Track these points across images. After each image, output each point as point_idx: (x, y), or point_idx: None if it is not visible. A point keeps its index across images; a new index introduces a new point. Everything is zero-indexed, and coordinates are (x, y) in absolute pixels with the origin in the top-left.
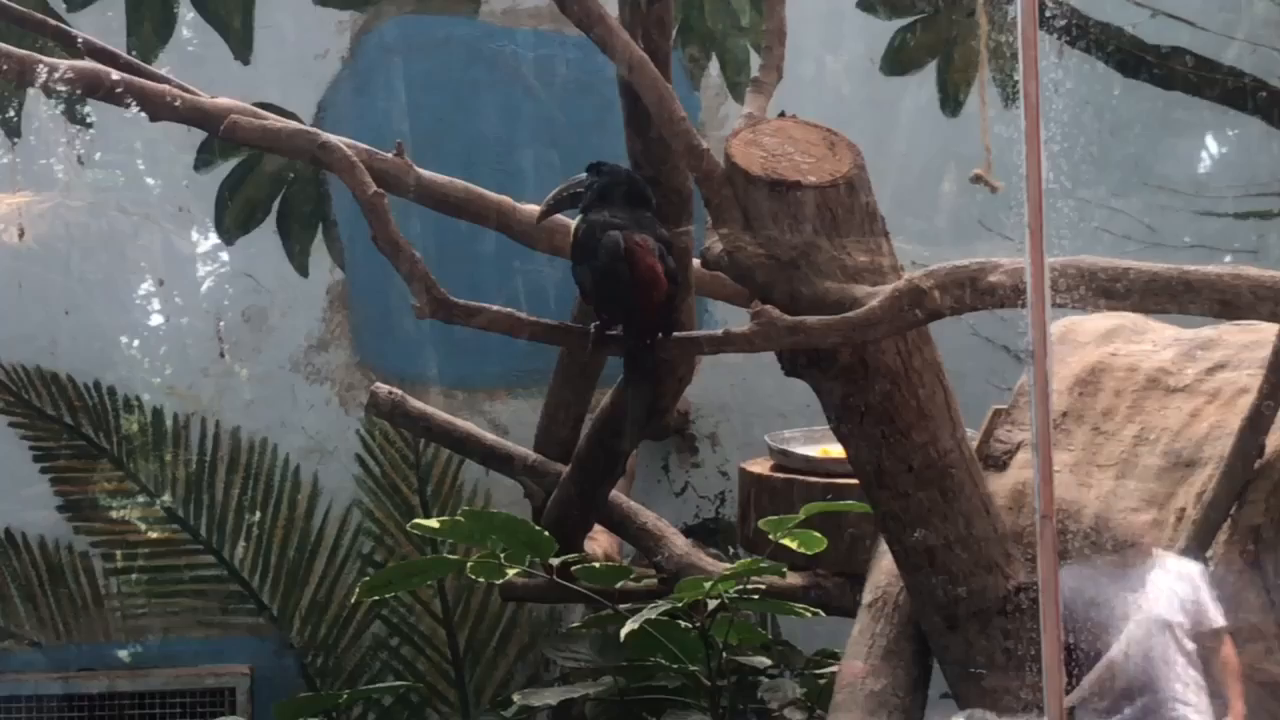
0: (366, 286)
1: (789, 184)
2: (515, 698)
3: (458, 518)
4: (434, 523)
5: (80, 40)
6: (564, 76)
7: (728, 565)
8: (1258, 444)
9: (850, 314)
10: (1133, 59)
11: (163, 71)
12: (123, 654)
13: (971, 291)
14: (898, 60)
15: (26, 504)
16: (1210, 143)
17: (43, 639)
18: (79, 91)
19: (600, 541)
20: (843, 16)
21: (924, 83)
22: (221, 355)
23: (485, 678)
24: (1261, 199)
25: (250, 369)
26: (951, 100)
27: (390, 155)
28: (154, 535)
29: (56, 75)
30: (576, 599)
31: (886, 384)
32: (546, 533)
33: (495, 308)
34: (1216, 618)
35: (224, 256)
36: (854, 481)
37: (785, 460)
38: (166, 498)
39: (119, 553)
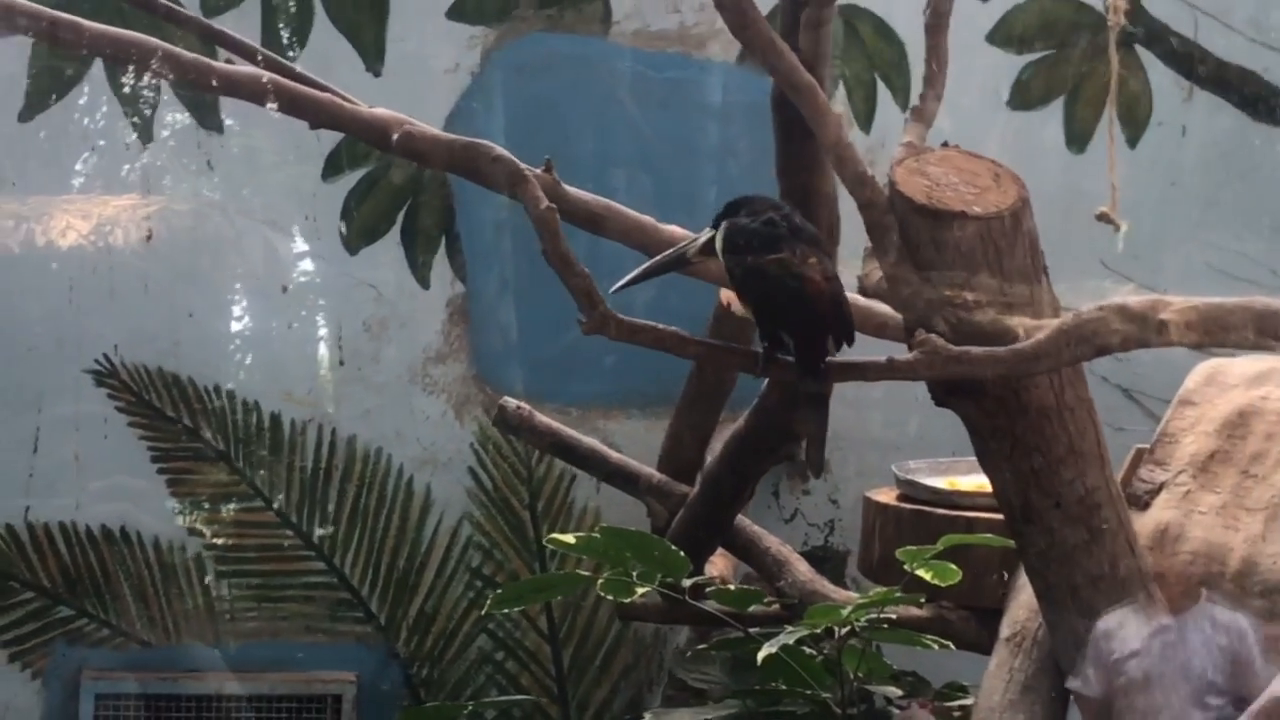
0: (486, 301)
1: (954, 214)
2: (646, 717)
3: (594, 534)
4: (570, 538)
5: (260, 57)
6: (692, 99)
7: (852, 594)
8: None
9: (1016, 346)
10: (1262, 102)
11: None
12: (231, 657)
13: (1141, 328)
14: (1025, 95)
15: (142, 504)
16: None
17: (152, 638)
18: (249, 98)
19: (716, 564)
20: (973, 50)
21: (1051, 118)
22: (340, 363)
23: (588, 695)
24: None
25: (368, 378)
26: (1078, 137)
27: (539, 170)
28: (266, 540)
29: (230, 81)
30: (695, 620)
31: (1038, 418)
32: (682, 553)
33: (661, 326)
34: (1266, 682)
35: (347, 266)
36: (981, 515)
37: (912, 491)
38: (280, 503)
39: (231, 555)
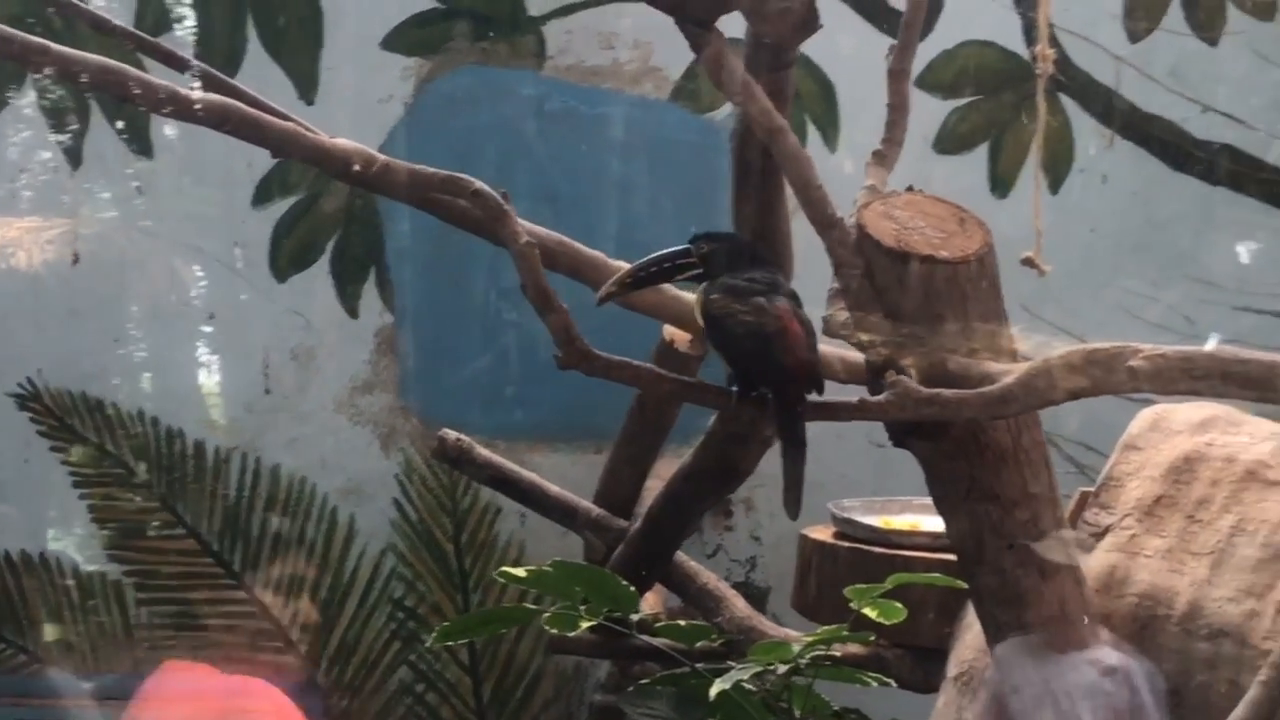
0: (414, 331)
1: (922, 257)
2: None
3: (545, 567)
4: (521, 571)
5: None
6: (625, 135)
7: (790, 631)
8: None
9: (987, 390)
10: (1181, 153)
11: None
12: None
13: (1109, 374)
14: (951, 140)
15: (62, 529)
16: (1252, 239)
17: (72, 666)
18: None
19: (648, 600)
20: None
21: (975, 163)
22: (267, 392)
23: None
24: None
25: (294, 407)
26: (1001, 183)
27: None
28: (188, 567)
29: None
30: (626, 654)
31: (995, 461)
32: (632, 588)
33: (638, 363)
34: None
35: (275, 294)
36: (918, 554)
37: (849, 529)
38: (202, 531)
39: (152, 583)
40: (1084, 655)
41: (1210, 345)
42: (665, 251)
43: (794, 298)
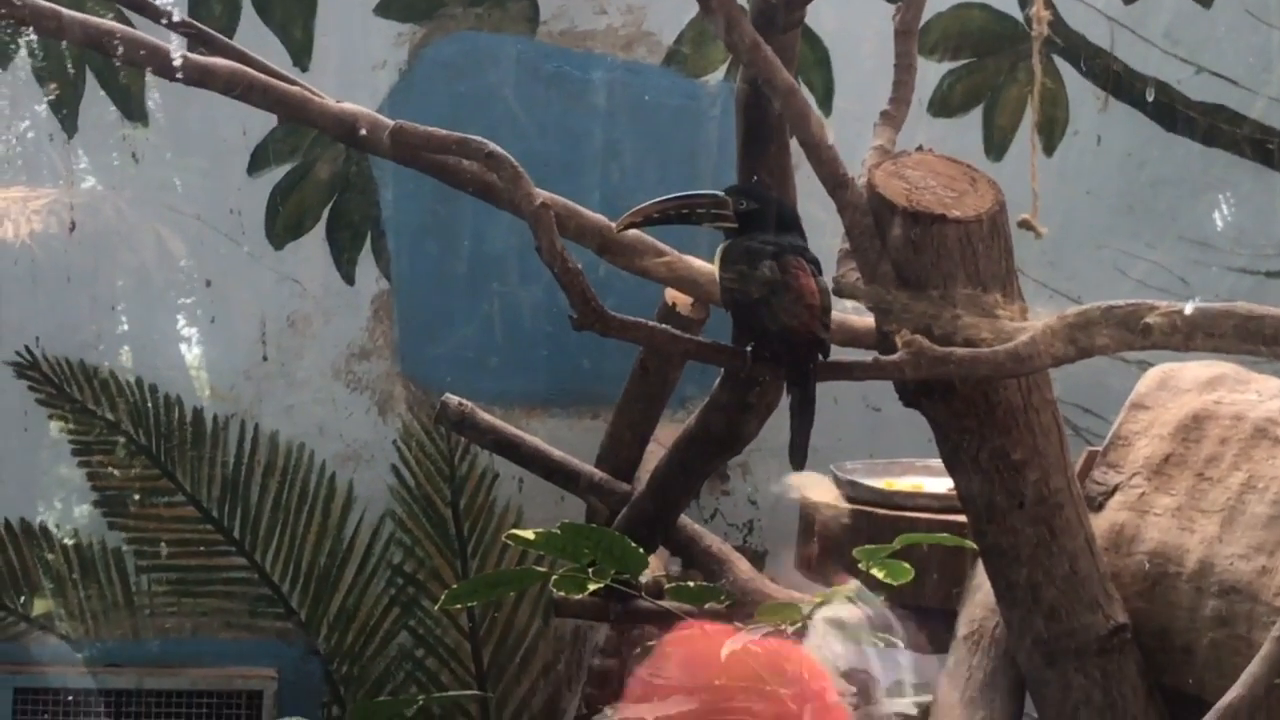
0: (410, 298)
1: (934, 217)
2: (608, 711)
3: (554, 530)
4: (529, 534)
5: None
6: (618, 99)
7: (793, 592)
8: None
9: (1000, 348)
10: (1175, 114)
11: None
12: (150, 651)
13: (1126, 331)
14: (946, 103)
15: (62, 498)
16: (1245, 200)
17: (71, 632)
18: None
19: (650, 564)
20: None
21: (970, 126)
22: (264, 359)
23: (508, 693)
24: None
25: (292, 374)
26: (996, 145)
27: None
28: (187, 535)
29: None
30: (629, 617)
31: (1005, 419)
32: (640, 550)
33: (652, 323)
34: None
35: (272, 261)
36: (921, 515)
37: (853, 491)
38: (201, 498)
39: (151, 550)
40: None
41: (1188, 310)
42: (697, 194)
43: (816, 264)
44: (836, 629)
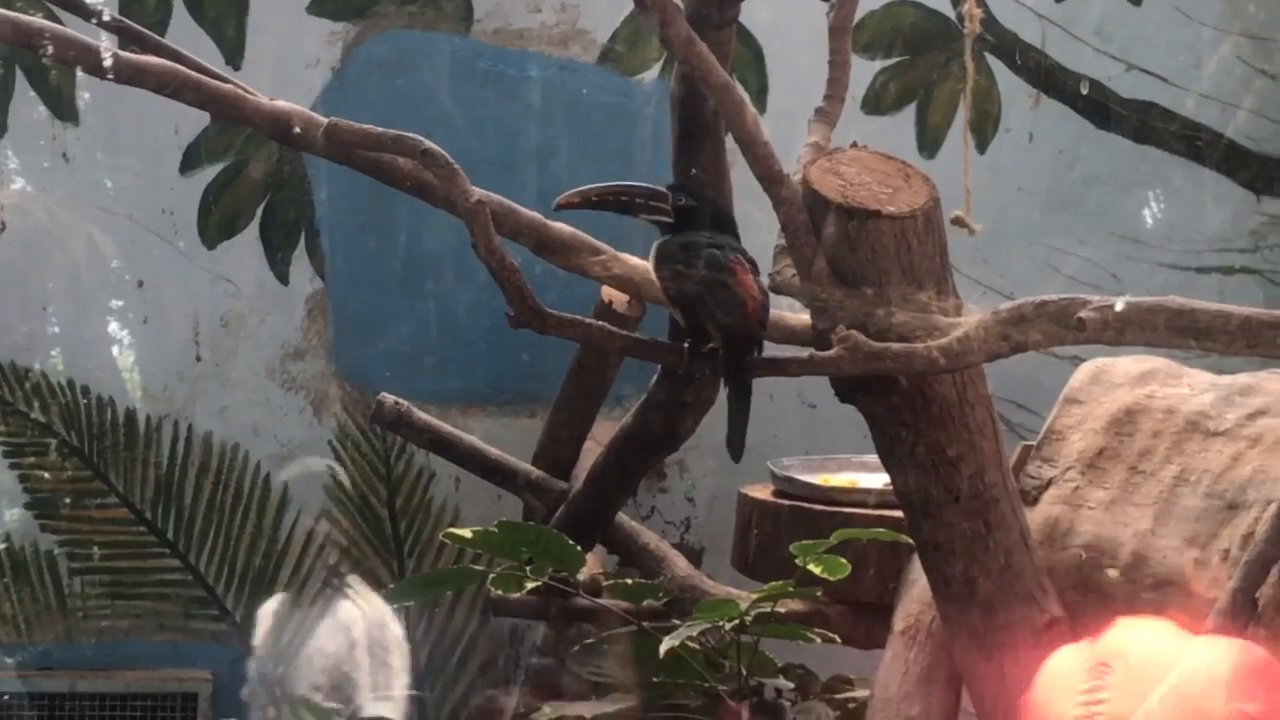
0: (345, 297)
1: (869, 213)
2: (546, 709)
3: (491, 529)
4: (466, 532)
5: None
6: (553, 97)
7: (731, 589)
8: None
9: (935, 343)
10: (1106, 110)
11: None
12: (84, 654)
13: (1060, 326)
14: (879, 100)
15: None
16: (1176, 196)
17: (3, 636)
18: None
19: (588, 562)
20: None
21: (903, 123)
22: (197, 359)
23: (446, 693)
24: (1224, 254)
25: (226, 374)
26: (929, 143)
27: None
28: (120, 537)
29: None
30: (569, 615)
31: (941, 415)
32: (578, 547)
33: (590, 320)
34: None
35: (205, 261)
36: (856, 510)
37: (789, 487)
38: (135, 500)
39: (84, 553)
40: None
41: (1120, 305)
42: (637, 185)
43: (753, 263)
44: None
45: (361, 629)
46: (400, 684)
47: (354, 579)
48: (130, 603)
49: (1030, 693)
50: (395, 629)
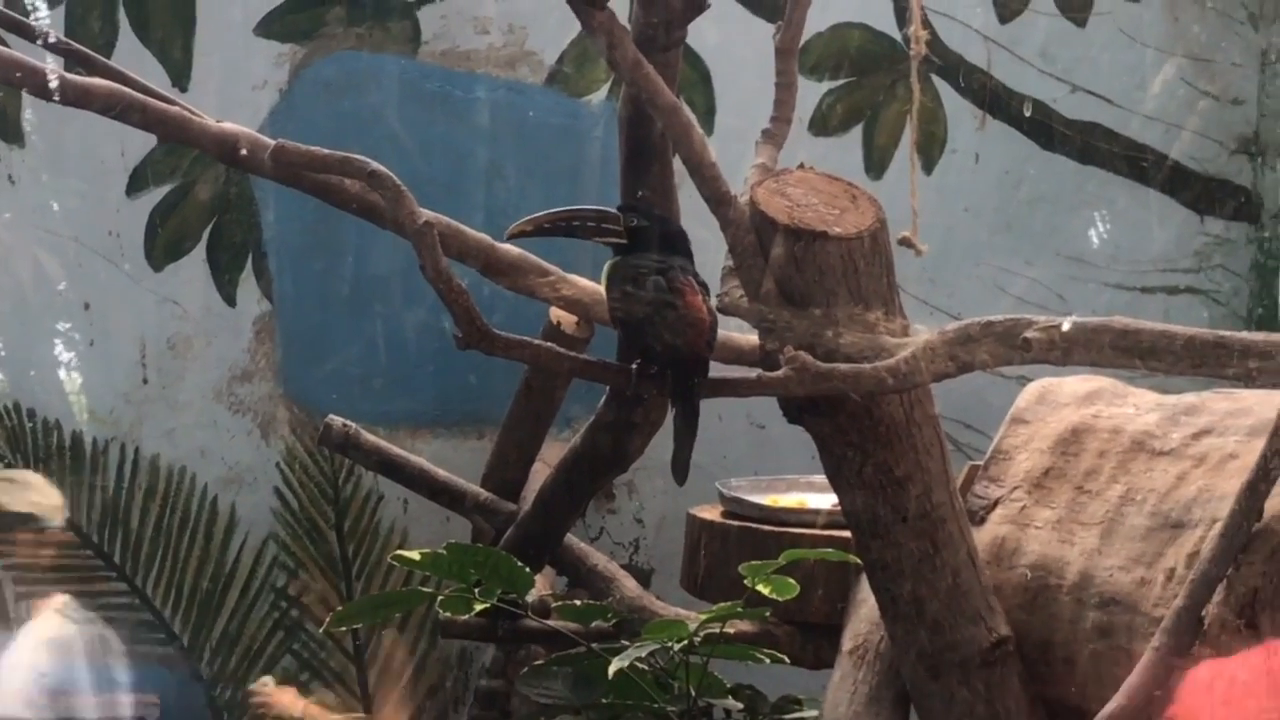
0: (293, 319)
1: (815, 234)
2: None
3: (440, 551)
4: (415, 554)
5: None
6: (501, 119)
7: (680, 610)
8: (1258, 506)
9: (882, 364)
10: (1051, 132)
11: None
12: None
13: (1006, 346)
14: (826, 122)
15: None
16: (1121, 217)
17: None
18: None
19: (537, 583)
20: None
21: (851, 145)
22: (144, 382)
23: (394, 717)
24: (1169, 274)
25: (172, 397)
26: (876, 164)
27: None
28: (67, 560)
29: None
30: (516, 637)
31: (888, 435)
32: (527, 569)
33: (538, 341)
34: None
35: (151, 283)
36: (805, 531)
37: (738, 508)
38: (82, 523)
39: (31, 576)
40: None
41: (1066, 325)
42: (587, 208)
43: (703, 285)
44: None
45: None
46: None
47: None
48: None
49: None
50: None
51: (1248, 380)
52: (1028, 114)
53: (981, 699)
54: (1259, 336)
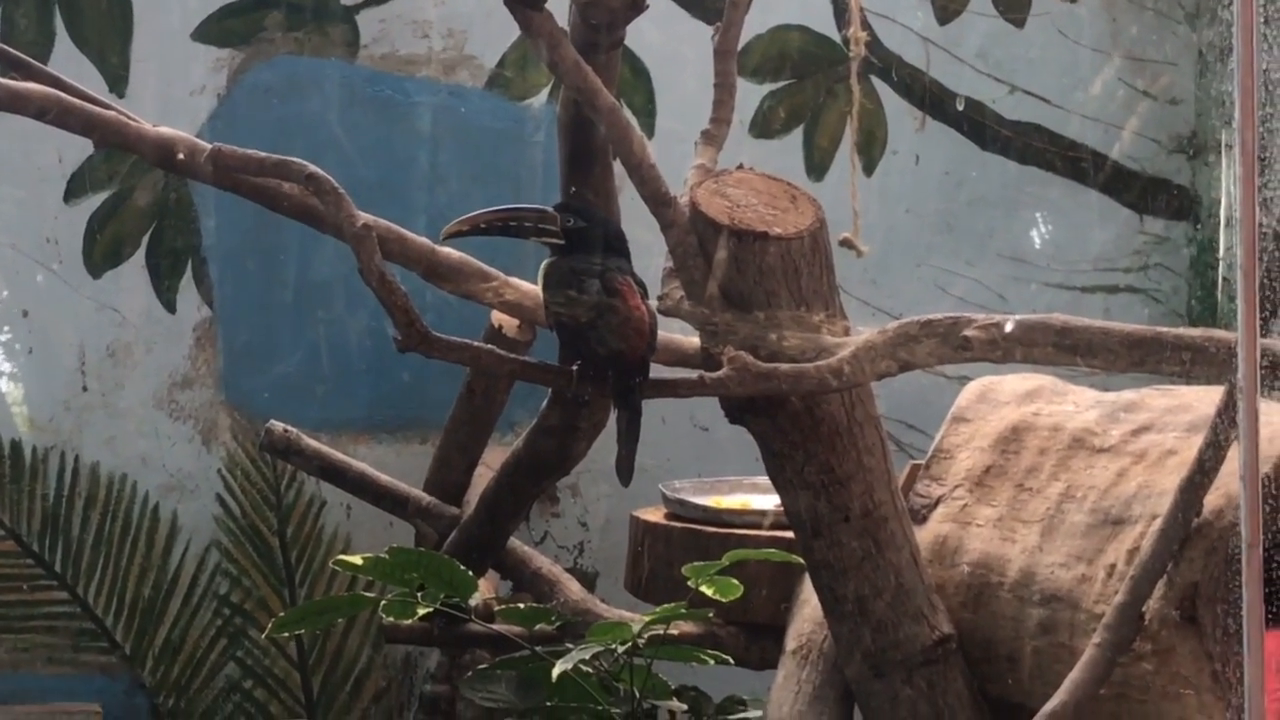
0: (234, 325)
1: (756, 235)
2: None
3: (382, 555)
4: (357, 559)
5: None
6: (441, 123)
7: (623, 612)
8: (1197, 502)
9: (823, 363)
10: (990, 132)
11: None
12: None
13: (946, 344)
14: (766, 124)
15: None
16: (1060, 217)
17: None
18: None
19: (481, 587)
20: None
21: (791, 147)
22: (84, 389)
23: None
24: (1109, 274)
25: (112, 404)
26: (817, 166)
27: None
28: (7, 569)
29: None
30: (459, 642)
31: (830, 434)
32: (470, 573)
33: (477, 344)
34: None
35: (90, 290)
36: (748, 532)
37: (681, 510)
38: (22, 531)
39: None
40: None
41: (1007, 325)
42: (525, 207)
43: (642, 286)
44: None
45: None
46: None
47: None
48: (18, 636)
49: None
50: None
51: (1185, 375)
52: (959, 109)
53: (924, 697)
54: (1194, 331)
